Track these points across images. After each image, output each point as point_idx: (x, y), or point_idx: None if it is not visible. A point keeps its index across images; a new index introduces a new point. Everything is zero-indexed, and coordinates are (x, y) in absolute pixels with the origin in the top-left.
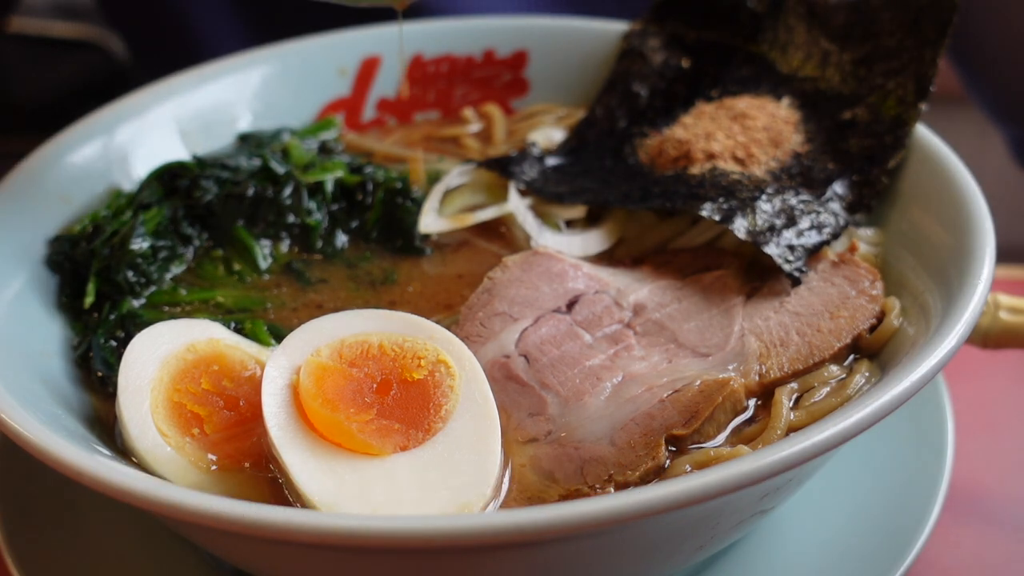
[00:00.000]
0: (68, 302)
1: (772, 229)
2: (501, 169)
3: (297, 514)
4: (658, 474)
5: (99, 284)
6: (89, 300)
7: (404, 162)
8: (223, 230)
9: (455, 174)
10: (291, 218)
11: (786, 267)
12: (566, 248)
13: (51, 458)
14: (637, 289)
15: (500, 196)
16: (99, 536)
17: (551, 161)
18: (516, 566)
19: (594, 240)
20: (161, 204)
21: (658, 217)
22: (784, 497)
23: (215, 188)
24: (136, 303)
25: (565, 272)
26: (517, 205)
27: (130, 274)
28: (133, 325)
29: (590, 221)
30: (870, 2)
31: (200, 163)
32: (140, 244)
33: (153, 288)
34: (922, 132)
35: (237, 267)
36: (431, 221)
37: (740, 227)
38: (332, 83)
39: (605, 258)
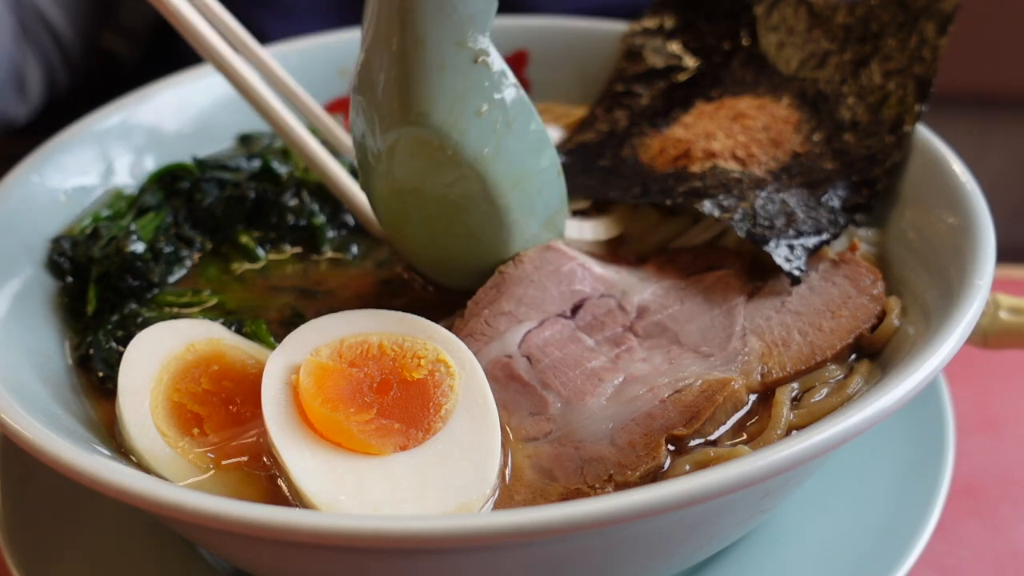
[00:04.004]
0: (69, 303)
1: (772, 228)
2: None
3: (297, 514)
4: (658, 474)
5: (99, 291)
6: (91, 308)
7: None
8: (225, 232)
9: None
10: (293, 219)
11: (786, 266)
12: (577, 233)
13: (51, 458)
14: (641, 291)
15: None
16: (99, 536)
17: None
18: (516, 566)
19: (603, 227)
20: (161, 207)
21: (660, 216)
22: (784, 497)
23: (216, 191)
24: (136, 304)
25: (574, 272)
26: None
27: (129, 279)
28: (134, 325)
29: (595, 212)
30: (870, 2)
31: (200, 165)
32: (136, 249)
33: (155, 291)
34: (922, 132)
35: (239, 270)
36: None
37: (740, 225)
38: (332, 83)
39: (610, 256)
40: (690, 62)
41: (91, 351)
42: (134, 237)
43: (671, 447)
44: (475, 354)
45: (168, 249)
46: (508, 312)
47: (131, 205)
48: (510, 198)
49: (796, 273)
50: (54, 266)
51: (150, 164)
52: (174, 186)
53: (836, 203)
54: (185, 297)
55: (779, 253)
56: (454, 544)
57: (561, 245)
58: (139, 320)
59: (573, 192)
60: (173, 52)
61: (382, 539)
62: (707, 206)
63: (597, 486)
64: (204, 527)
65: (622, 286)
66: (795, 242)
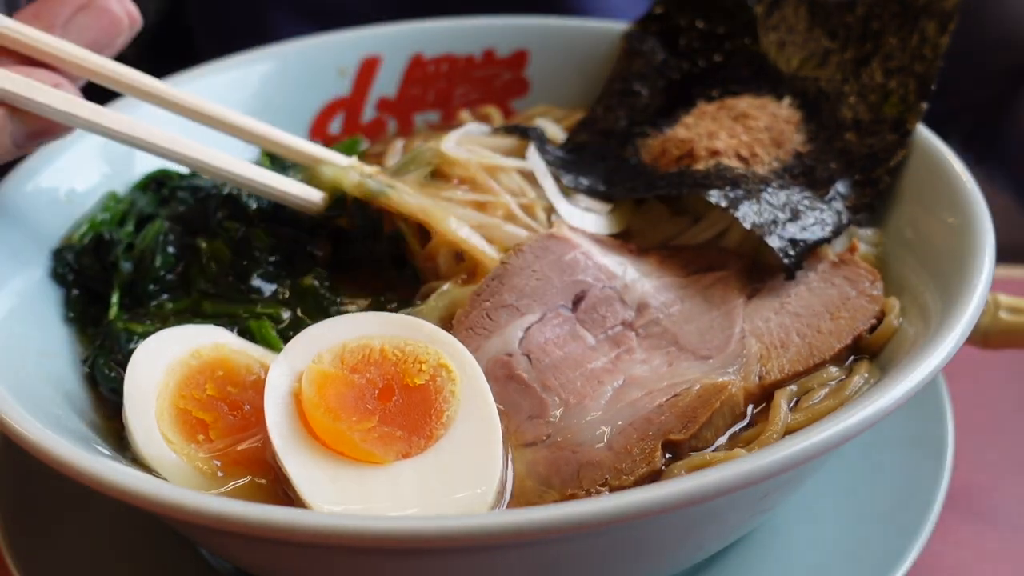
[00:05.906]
0: (75, 316)
1: (776, 222)
2: (521, 134)
3: (297, 514)
4: (654, 479)
5: (122, 297)
6: (114, 312)
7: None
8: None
9: (474, 126)
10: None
11: (785, 260)
12: (579, 222)
13: (51, 458)
14: (642, 285)
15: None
16: (99, 536)
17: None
18: (515, 566)
19: (606, 221)
20: (158, 214)
21: (663, 213)
22: (784, 497)
23: (191, 199)
24: (128, 317)
25: (576, 262)
26: (537, 163)
27: (152, 287)
28: (129, 343)
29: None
30: (871, 1)
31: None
32: (163, 257)
33: (166, 296)
34: (922, 132)
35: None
36: (452, 146)
37: (746, 216)
38: (332, 83)
39: (613, 241)
40: (690, 62)
41: (94, 369)
42: (162, 245)
43: (668, 454)
44: (476, 350)
45: (176, 254)
46: (510, 305)
47: (129, 209)
48: None
49: (793, 268)
50: (57, 277)
51: (151, 164)
52: (160, 192)
53: (839, 202)
54: (171, 306)
55: (780, 247)
56: (454, 544)
57: (565, 232)
58: (135, 338)
59: (575, 186)
60: (174, 52)
61: (382, 539)
62: (714, 195)
63: (593, 491)
64: (204, 527)
65: (624, 278)
66: (797, 237)
